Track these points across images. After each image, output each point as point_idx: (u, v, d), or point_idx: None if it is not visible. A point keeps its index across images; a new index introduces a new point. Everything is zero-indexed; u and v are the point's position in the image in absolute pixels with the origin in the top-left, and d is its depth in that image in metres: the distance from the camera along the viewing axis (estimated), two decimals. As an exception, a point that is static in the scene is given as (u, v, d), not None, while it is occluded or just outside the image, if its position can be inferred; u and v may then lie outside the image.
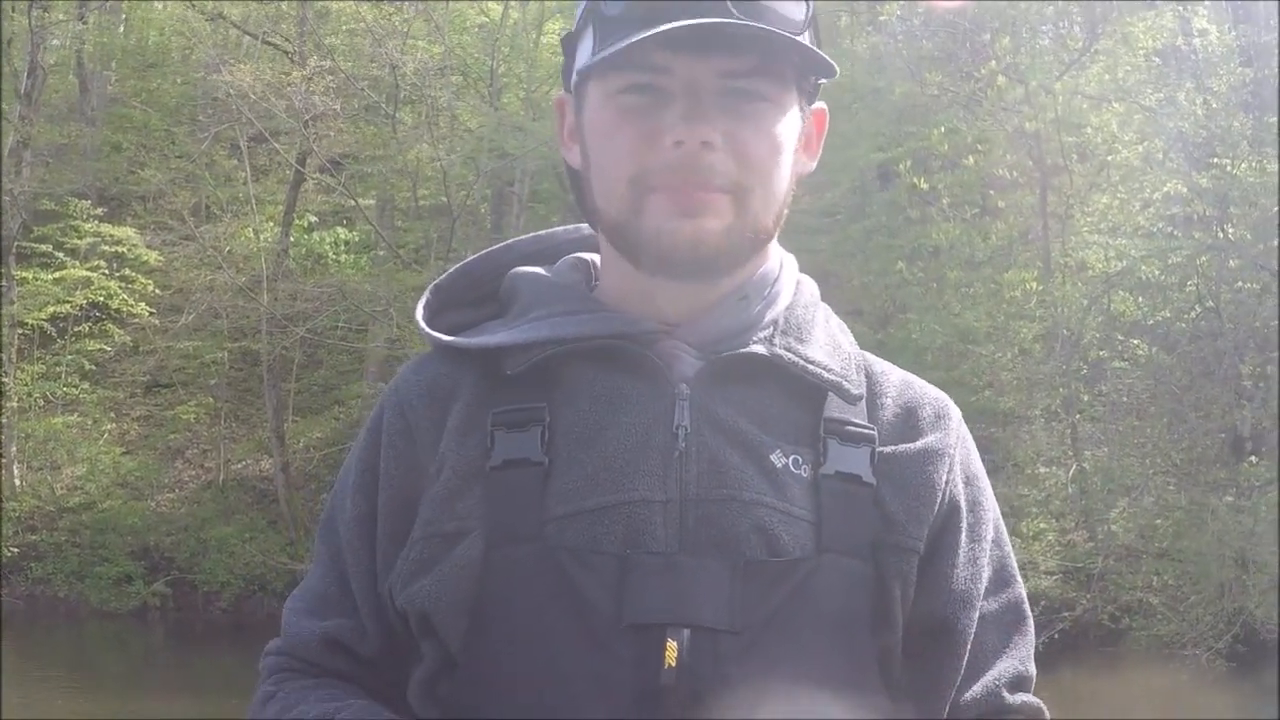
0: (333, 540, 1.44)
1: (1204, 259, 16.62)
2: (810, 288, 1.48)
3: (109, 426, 22.30)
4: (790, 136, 1.36)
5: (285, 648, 1.43)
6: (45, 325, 21.57)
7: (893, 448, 1.36)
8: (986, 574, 1.39)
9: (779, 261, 1.45)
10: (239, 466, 22.41)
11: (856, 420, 1.35)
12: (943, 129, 17.50)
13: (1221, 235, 16.65)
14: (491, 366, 1.37)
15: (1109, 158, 18.01)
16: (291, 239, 22.71)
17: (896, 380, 1.43)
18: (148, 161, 23.11)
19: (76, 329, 22.19)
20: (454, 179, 21.09)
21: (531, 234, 1.55)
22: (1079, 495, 16.64)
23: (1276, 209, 15.46)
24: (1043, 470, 17.03)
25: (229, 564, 20.23)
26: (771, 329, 1.37)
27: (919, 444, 1.38)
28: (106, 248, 22.02)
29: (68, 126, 25.01)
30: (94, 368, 22.46)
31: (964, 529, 1.38)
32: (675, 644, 1.20)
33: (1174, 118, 17.33)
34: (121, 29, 27.81)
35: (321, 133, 20.84)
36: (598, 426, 1.30)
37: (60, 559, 20.22)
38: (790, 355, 1.35)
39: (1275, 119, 16.89)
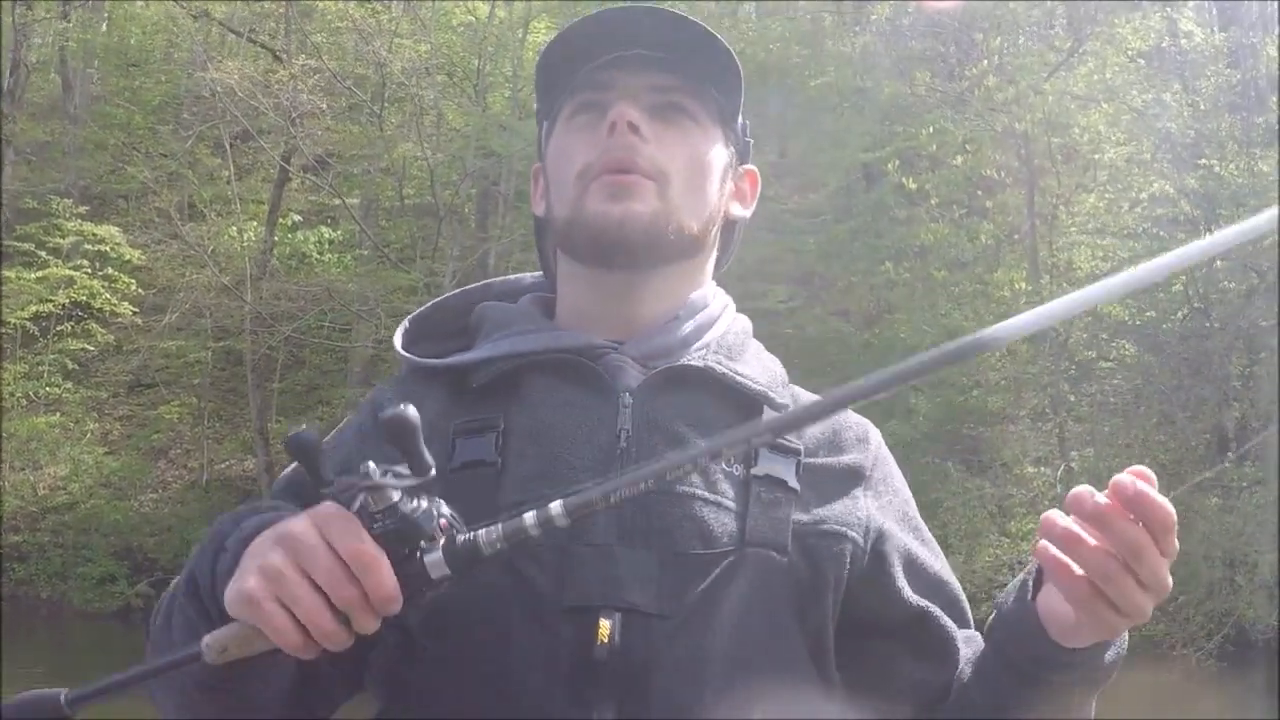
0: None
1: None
2: (745, 323, 1.66)
3: (92, 426, 22.19)
4: (715, 162, 1.58)
5: None
6: (28, 324, 21.43)
7: (818, 460, 1.52)
8: (930, 572, 1.57)
9: (713, 294, 1.64)
10: (222, 467, 22.31)
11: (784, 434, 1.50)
12: (931, 129, 17.49)
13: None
14: (458, 383, 1.52)
15: (1095, 156, 18.03)
16: (275, 238, 22.63)
17: None
18: (131, 160, 23.00)
19: (59, 328, 22.05)
20: (440, 178, 21.03)
21: (503, 277, 1.75)
22: (1064, 495, 16.63)
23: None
24: (1030, 470, 17.03)
25: (213, 565, 20.11)
26: (705, 349, 1.55)
27: (842, 460, 1.55)
28: (89, 246, 21.92)
29: (50, 124, 24.89)
30: (77, 367, 22.35)
31: (895, 536, 1.54)
32: (608, 624, 1.33)
33: (1162, 118, 17.34)
34: (104, 27, 27.69)
35: (308, 131, 20.77)
36: (547, 428, 1.45)
37: (43, 559, 20.10)
38: (721, 368, 1.51)
39: (1262, 120, 16.93)
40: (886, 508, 1.57)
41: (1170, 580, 1.25)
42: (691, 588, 1.38)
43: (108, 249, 22.04)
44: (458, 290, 1.72)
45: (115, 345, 22.91)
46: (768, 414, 1.52)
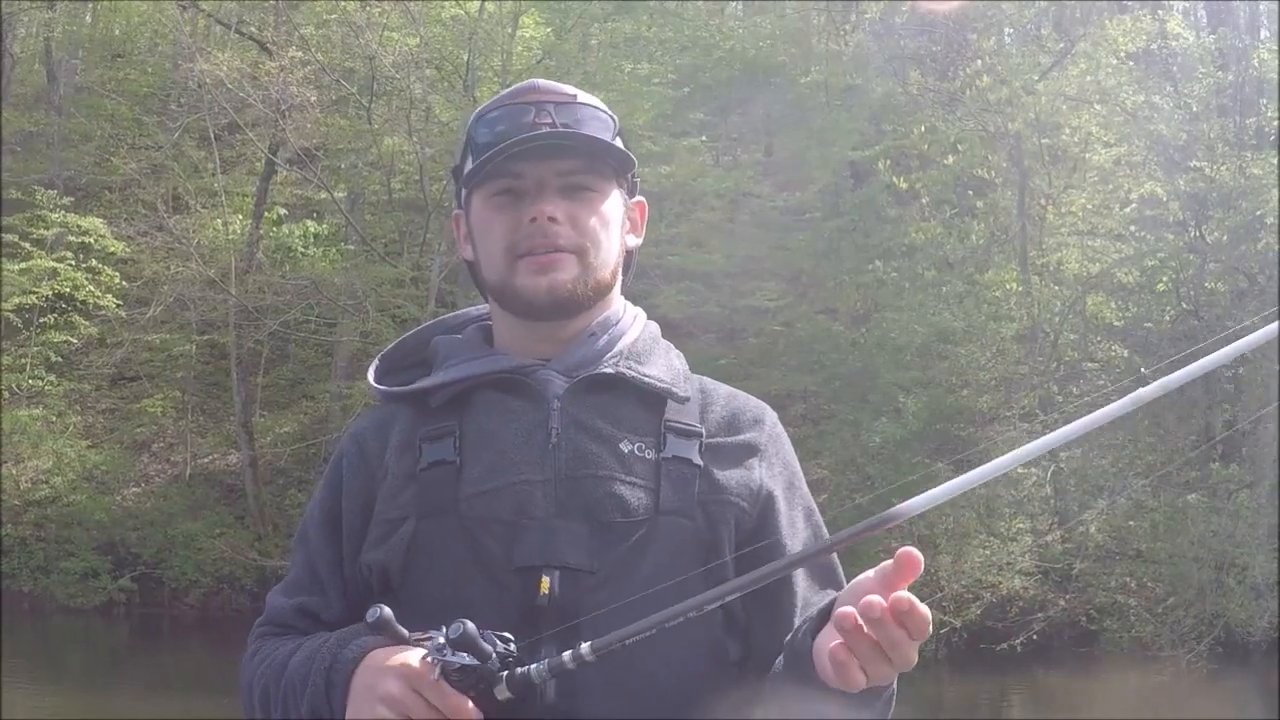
0: (305, 543, 1.93)
1: (1186, 257, 16.62)
2: (653, 328, 1.99)
3: (74, 419, 22.08)
4: (615, 215, 1.92)
5: (265, 619, 1.92)
6: (10, 316, 21.28)
7: (718, 440, 1.86)
8: (804, 535, 1.89)
9: (622, 308, 1.97)
10: (206, 461, 22.22)
11: (687, 420, 1.86)
12: (923, 128, 17.45)
13: (1199, 237, 16.65)
14: (421, 404, 1.89)
15: (1086, 156, 18.00)
16: (261, 232, 22.52)
17: (724, 393, 1.95)
18: (116, 151, 22.88)
19: (42, 320, 21.92)
20: (428, 173, 20.95)
21: (451, 314, 2.11)
22: (1056, 496, 16.62)
23: (1270, 211, 15.45)
24: (1020, 471, 17.00)
25: (197, 560, 20.06)
26: (618, 356, 1.88)
27: (740, 438, 1.89)
28: (73, 238, 21.79)
29: (35, 115, 24.75)
30: (60, 360, 22.24)
31: (780, 500, 1.87)
32: (548, 579, 1.70)
33: (1153, 120, 17.31)
34: (89, 18, 27.56)
35: (296, 123, 20.66)
36: (493, 432, 1.82)
37: (25, 553, 19.98)
38: (631, 372, 1.86)
39: (1254, 120, 16.90)
40: (776, 478, 1.89)
41: (915, 657, 1.53)
42: (615, 549, 1.74)
43: (92, 241, 21.92)
44: (415, 329, 2.09)
45: (99, 338, 22.80)
46: (670, 407, 1.86)
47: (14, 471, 20.69)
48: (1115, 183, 18.29)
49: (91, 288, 21.73)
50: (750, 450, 1.89)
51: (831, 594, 1.82)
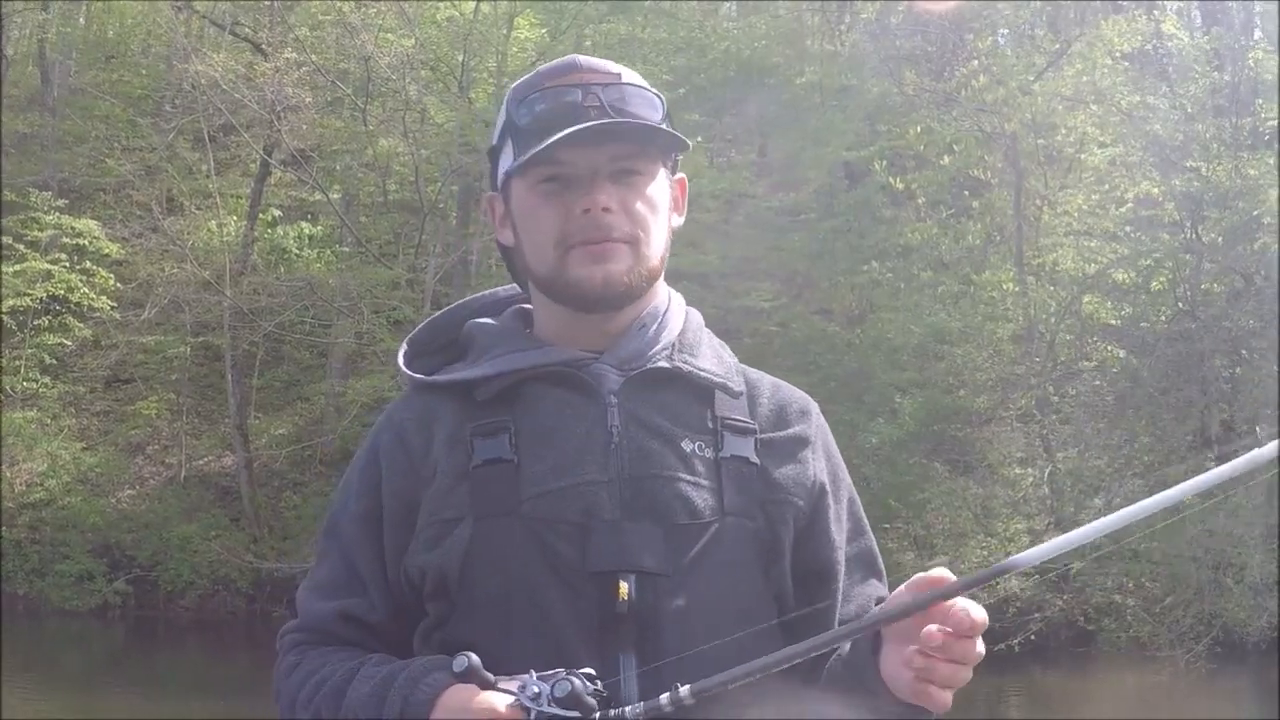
0: (338, 538, 1.84)
1: (1182, 257, 16.62)
2: (696, 316, 1.96)
3: (69, 422, 22.04)
4: (663, 198, 1.86)
5: (301, 626, 1.82)
6: (5, 318, 21.25)
7: (770, 435, 1.84)
8: (847, 527, 1.89)
9: (667, 295, 1.93)
10: (201, 463, 22.18)
11: (740, 417, 1.83)
12: (919, 128, 17.44)
13: (1195, 237, 16.64)
14: (465, 396, 1.81)
15: (1081, 156, 18.00)
16: (256, 233, 22.50)
17: (768, 384, 1.92)
18: (111, 153, 22.84)
19: (36, 322, 21.89)
20: (423, 174, 20.93)
21: (479, 294, 2.04)
22: (1053, 496, 16.61)
23: (1264, 212, 15.46)
24: (1017, 471, 17.01)
25: (192, 562, 20.02)
26: (670, 348, 1.85)
27: (790, 432, 1.86)
28: (68, 240, 21.76)
29: (29, 117, 24.70)
30: (54, 362, 22.20)
31: (829, 494, 1.86)
32: (626, 585, 1.65)
33: (1149, 121, 17.31)
34: (82, 19, 27.52)
35: (292, 125, 20.64)
36: (552, 430, 1.76)
37: (20, 556, 19.94)
38: (687, 367, 1.82)
39: (1250, 120, 16.89)
40: (824, 470, 1.88)
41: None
42: (686, 551, 1.71)
43: (86, 243, 21.90)
44: (442, 311, 2.02)
45: (93, 340, 22.76)
46: (721, 401, 1.83)
47: (9, 474, 20.63)
48: (1111, 183, 18.29)
49: (86, 290, 21.70)
50: (801, 443, 1.87)
51: (874, 585, 1.90)
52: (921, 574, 1.55)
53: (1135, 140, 17.61)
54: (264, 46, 22.06)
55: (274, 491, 21.58)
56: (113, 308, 22.04)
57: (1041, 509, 16.84)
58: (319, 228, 24.03)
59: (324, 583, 1.83)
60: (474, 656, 1.56)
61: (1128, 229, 17.90)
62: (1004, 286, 17.35)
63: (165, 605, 20.09)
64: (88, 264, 21.88)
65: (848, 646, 1.73)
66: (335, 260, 22.43)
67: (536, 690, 1.50)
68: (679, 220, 1.94)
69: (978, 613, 1.53)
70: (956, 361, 17.12)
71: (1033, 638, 15.28)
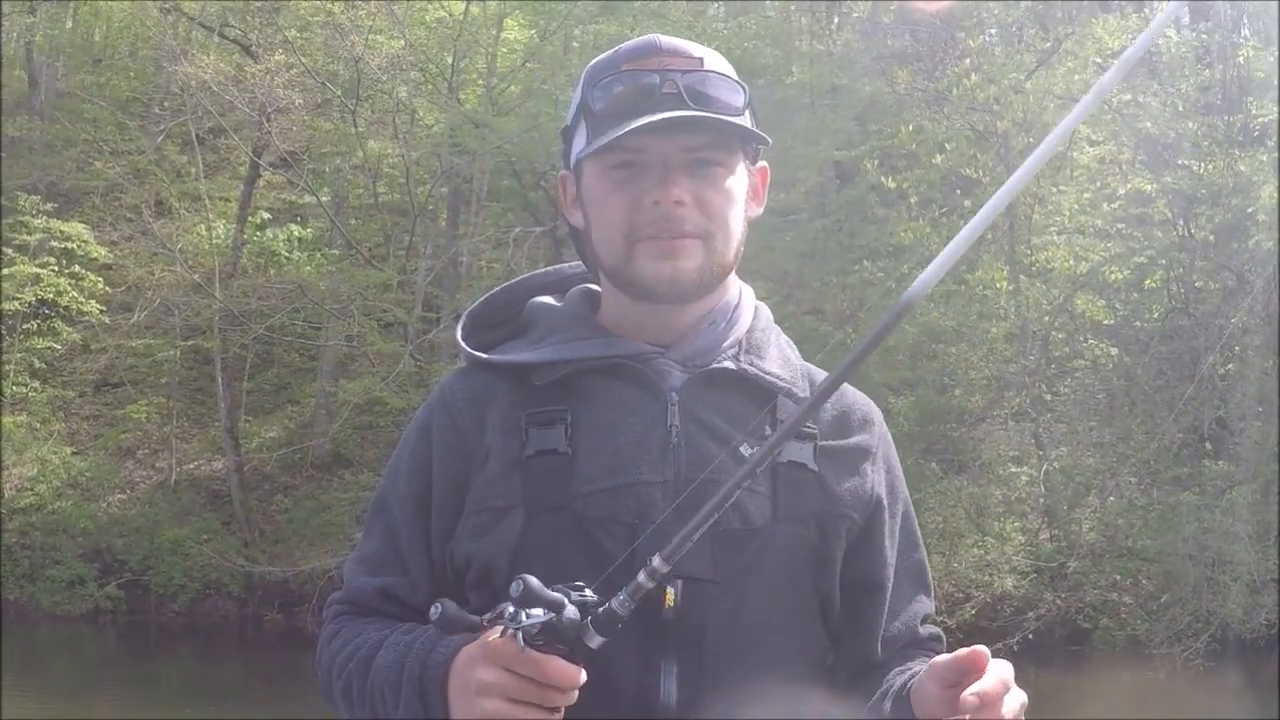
0: (386, 515, 1.83)
1: (1175, 255, 16.63)
2: (766, 313, 1.91)
3: (59, 426, 21.97)
4: (740, 190, 1.80)
5: (345, 598, 1.83)
6: (-7, 323, 21.21)
7: (831, 442, 1.80)
8: (900, 540, 1.87)
9: (738, 290, 1.89)
10: (191, 467, 22.11)
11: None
12: (911, 126, 17.42)
13: (1187, 234, 16.65)
14: (522, 379, 1.78)
15: (1072, 154, 17.99)
16: (245, 236, 22.45)
17: None
18: (99, 156, 22.78)
19: (25, 326, 21.82)
20: (413, 176, 20.89)
21: (542, 270, 2.01)
22: (1047, 495, 16.61)
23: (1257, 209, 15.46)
24: (1013, 470, 17.00)
25: (183, 566, 19.95)
26: (737, 347, 1.80)
27: (851, 441, 1.83)
28: (56, 244, 21.70)
29: (16, 120, 24.63)
30: (43, 366, 22.13)
31: (886, 508, 1.84)
32: (672, 591, 1.62)
33: (1140, 118, 17.31)
34: (69, 22, 27.44)
35: (282, 127, 20.59)
36: (610, 425, 1.72)
37: (10, 561, 19.82)
38: (753, 369, 1.79)
39: (1240, 117, 16.90)
40: (883, 483, 1.85)
41: None
42: (736, 558, 1.69)
43: (75, 246, 21.84)
44: (503, 285, 1.98)
45: (82, 344, 22.70)
46: (783, 404, 1.78)
47: (-2, 479, 20.59)
48: (1103, 180, 18.29)
49: (75, 293, 21.67)
50: (862, 454, 1.84)
51: (922, 601, 1.90)
52: (940, 660, 1.55)
53: (1127, 138, 17.61)
54: (253, 48, 22.01)
55: (265, 495, 21.51)
56: (102, 311, 22.00)
57: (1035, 507, 16.84)
58: (309, 230, 23.98)
59: (369, 557, 1.83)
60: (447, 603, 1.52)
61: (1119, 226, 17.90)
62: (997, 285, 17.33)
63: (156, 610, 20.02)
64: (76, 268, 21.84)
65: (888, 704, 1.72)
66: (325, 263, 22.37)
67: (511, 608, 1.47)
68: (758, 211, 1.88)
69: (1002, 677, 1.51)
70: (950, 360, 17.11)
71: (1030, 637, 15.28)
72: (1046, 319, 17.18)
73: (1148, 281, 17.20)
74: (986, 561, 15.64)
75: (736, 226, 1.80)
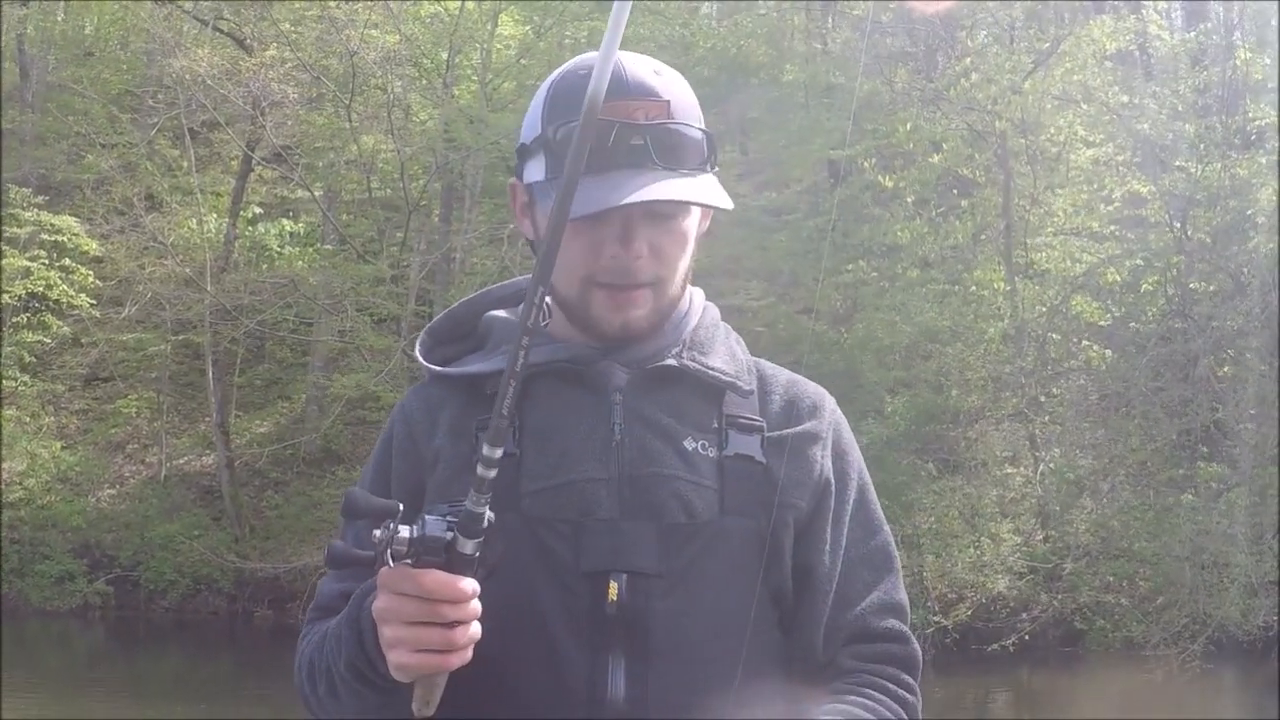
0: (351, 523, 1.84)
1: (1171, 257, 16.62)
2: (714, 312, 1.93)
3: (48, 420, 21.90)
4: (694, 225, 1.82)
5: (316, 604, 1.88)
6: (-18, 315, 21.12)
7: (779, 432, 1.80)
8: (854, 526, 1.84)
9: (688, 297, 1.89)
10: (181, 461, 22.06)
11: (748, 414, 1.80)
12: (908, 125, 17.39)
13: (1184, 237, 16.63)
14: (475, 388, 1.82)
15: (1071, 156, 17.98)
16: (237, 230, 22.38)
17: (783, 379, 1.89)
18: (90, 149, 22.70)
19: (15, 320, 21.74)
20: (407, 171, 20.83)
21: (501, 283, 2.01)
22: (1043, 496, 16.58)
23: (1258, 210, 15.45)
24: (1008, 470, 16.98)
25: (173, 562, 19.89)
26: (681, 346, 1.82)
27: (799, 428, 1.82)
28: (47, 237, 21.62)
29: (8, 113, 24.54)
30: (33, 360, 22.06)
31: (834, 494, 1.83)
32: (616, 585, 1.66)
33: (1137, 120, 17.30)
34: (60, 15, 27.35)
35: (277, 121, 20.53)
36: (555, 426, 1.76)
37: (-1, 556, 19.80)
38: (695, 365, 1.80)
39: (1237, 119, 16.89)
40: (829, 469, 1.84)
41: None
42: (682, 552, 1.70)
43: (65, 239, 21.76)
44: (463, 300, 1.99)
45: (73, 337, 22.63)
46: (730, 399, 1.81)
47: (-13, 473, 20.51)
48: (1099, 182, 18.27)
49: (65, 287, 21.59)
50: (810, 439, 1.84)
51: (885, 587, 1.85)
52: None
53: (1124, 139, 17.60)
54: (247, 42, 21.93)
55: (256, 490, 21.46)
56: (92, 305, 21.92)
57: (1031, 509, 16.81)
58: (301, 225, 23.91)
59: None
60: (336, 543, 1.57)
61: (1113, 228, 17.89)
62: (994, 285, 17.31)
63: (146, 605, 19.98)
64: (67, 261, 21.76)
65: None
66: (318, 257, 22.30)
67: (378, 533, 1.49)
68: (705, 224, 1.89)
69: None
70: (946, 361, 17.07)
71: (1026, 638, 15.26)
72: (1043, 320, 17.16)
73: (1144, 283, 17.16)
74: (981, 562, 15.62)
75: (686, 262, 1.83)
